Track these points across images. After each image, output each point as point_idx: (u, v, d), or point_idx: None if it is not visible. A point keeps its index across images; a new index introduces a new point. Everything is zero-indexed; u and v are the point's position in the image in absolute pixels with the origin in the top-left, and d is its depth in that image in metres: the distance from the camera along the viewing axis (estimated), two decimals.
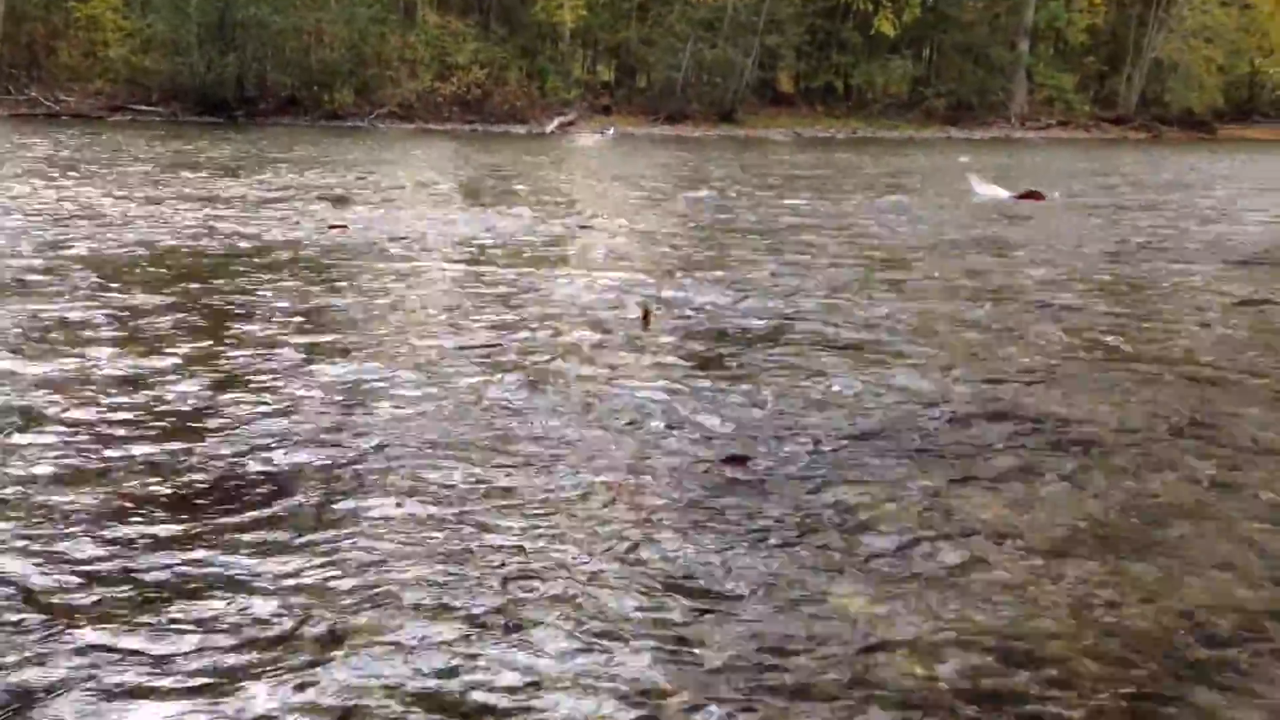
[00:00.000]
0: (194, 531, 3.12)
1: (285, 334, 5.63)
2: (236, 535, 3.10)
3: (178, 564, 2.91)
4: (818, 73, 42.71)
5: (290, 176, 14.67)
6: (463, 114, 32.33)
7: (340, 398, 4.46)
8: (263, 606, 2.68)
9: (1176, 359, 5.68)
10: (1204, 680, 2.53)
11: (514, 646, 2.54)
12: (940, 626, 2.72)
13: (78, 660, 2.41)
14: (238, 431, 3.99)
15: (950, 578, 2.99)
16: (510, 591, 2.83)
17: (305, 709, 2.27)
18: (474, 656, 2.49)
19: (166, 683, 2.34)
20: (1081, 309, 7.05)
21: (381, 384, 4.68)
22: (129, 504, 3.29)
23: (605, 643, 2.57)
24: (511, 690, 2.36)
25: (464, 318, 6.17)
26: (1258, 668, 2.58)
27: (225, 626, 2.58)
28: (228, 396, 4.43)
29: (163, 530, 3.12)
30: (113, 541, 3.02)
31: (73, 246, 8.22)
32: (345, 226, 9.81)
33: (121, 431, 3.94)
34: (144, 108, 29.50)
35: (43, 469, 3.55)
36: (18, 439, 3.81)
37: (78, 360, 4.93)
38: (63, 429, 3.94)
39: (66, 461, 3.63)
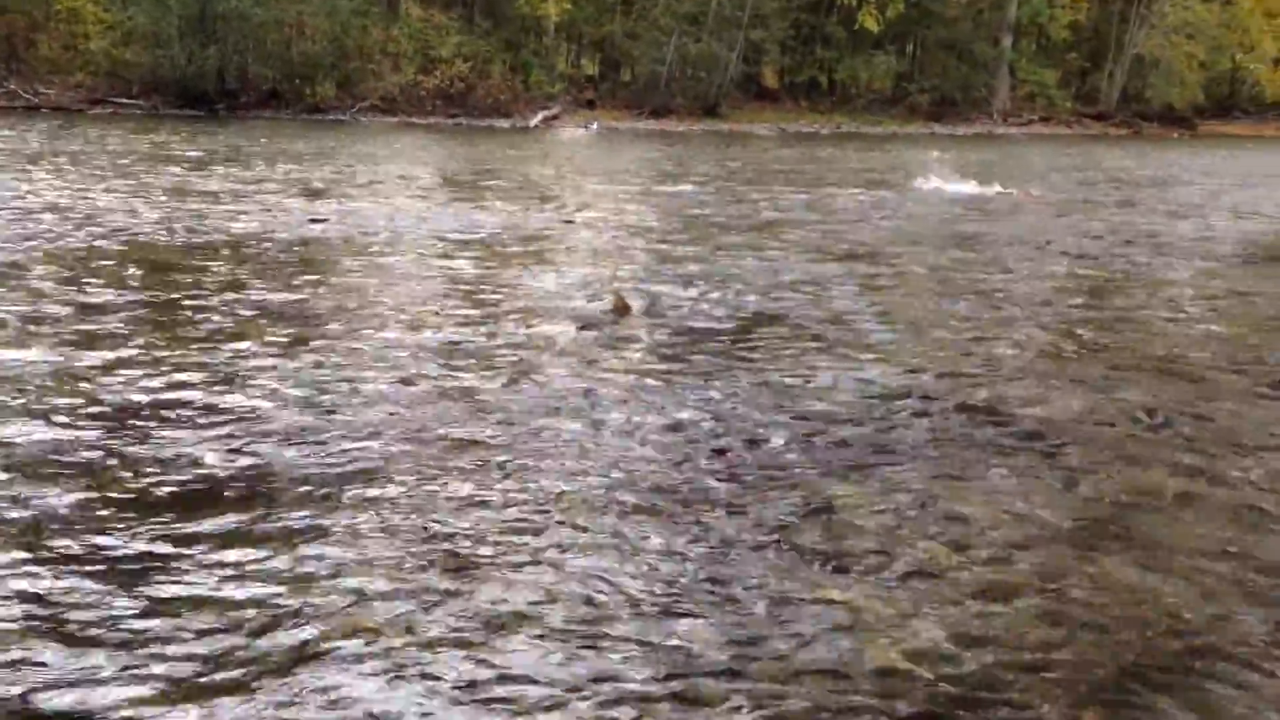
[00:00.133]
0: (149, 529, 3.09)
1: (254, 329, 5.55)
2: (191, 527, 3.08)
3: (134, 557, 2.88)
4: (802, 68, 42.70)
5: (270, 170, 14.57)
6: (446, 108, 32.17)
7: (306, 393, 4.40)
8: (233, 592, 2.67)
9: (1152, 354, 5.70)
10: (1178, 669, 2.55)
11: (484, 645, 2.54)
12: (916, 616, 2.73)
13: None
14: (193, 429, 3.95)
15: (925, 570, 3.00)
16: (492, 590, 2.82)
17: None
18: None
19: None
20: (1057, 304, 7.07)
21: (348, 380, 4.62)
22: (86, 502, 3.26)
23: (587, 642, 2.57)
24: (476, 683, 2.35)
25: (439, 313, 6.13)
26: (1231, 658, 2.59)
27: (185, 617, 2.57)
28: (185, 394, 4.35)
29: (112, 526, 3.09)
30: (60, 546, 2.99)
31: (37, 240, 8.09)
32: (324, 220, 9.75)
33: (70, 433, 3.91)
34: (124, 101, 29.25)
35: None
36: None
37: (26, 355, 4.84)
38: (11, 428, 3.91)
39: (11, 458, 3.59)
